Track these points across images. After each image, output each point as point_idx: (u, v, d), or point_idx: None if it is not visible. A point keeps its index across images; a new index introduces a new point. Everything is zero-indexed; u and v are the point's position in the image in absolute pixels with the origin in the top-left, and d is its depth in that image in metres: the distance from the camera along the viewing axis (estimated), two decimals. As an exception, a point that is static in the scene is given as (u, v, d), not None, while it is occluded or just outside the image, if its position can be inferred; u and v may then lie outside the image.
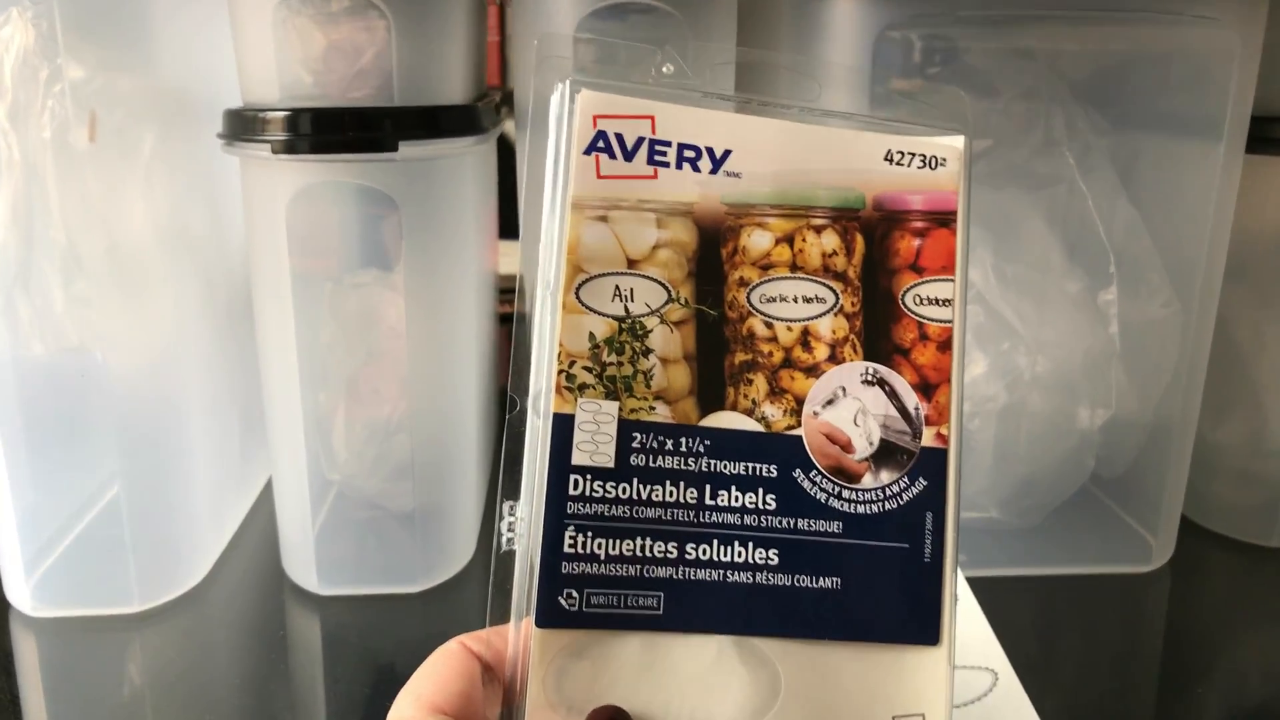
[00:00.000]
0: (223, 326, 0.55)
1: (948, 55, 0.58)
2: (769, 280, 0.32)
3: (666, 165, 0.31)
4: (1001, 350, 0.51)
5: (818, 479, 0.32)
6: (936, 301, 0.33)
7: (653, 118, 0.32)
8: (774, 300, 0.32)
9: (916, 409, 0.33)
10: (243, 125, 0.45)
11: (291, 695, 0.46)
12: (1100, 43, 0.54)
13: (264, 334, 0.49)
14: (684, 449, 0.31)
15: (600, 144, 0.31)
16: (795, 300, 0.32)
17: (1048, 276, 0.52)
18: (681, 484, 0.31)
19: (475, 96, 0.57)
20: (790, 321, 0.32)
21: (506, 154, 0.66)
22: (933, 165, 0.34)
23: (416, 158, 0.46)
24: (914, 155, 0.34)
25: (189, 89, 0.51)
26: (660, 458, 0.31)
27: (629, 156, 0.31)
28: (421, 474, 0.52)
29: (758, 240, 0.32)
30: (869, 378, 0.32)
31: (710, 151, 0.32)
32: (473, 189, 0.52)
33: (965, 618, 0.50)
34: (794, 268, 0.32)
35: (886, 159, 0.33)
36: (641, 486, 0.30)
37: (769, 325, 0.32)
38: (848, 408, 0.32)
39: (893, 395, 0.33)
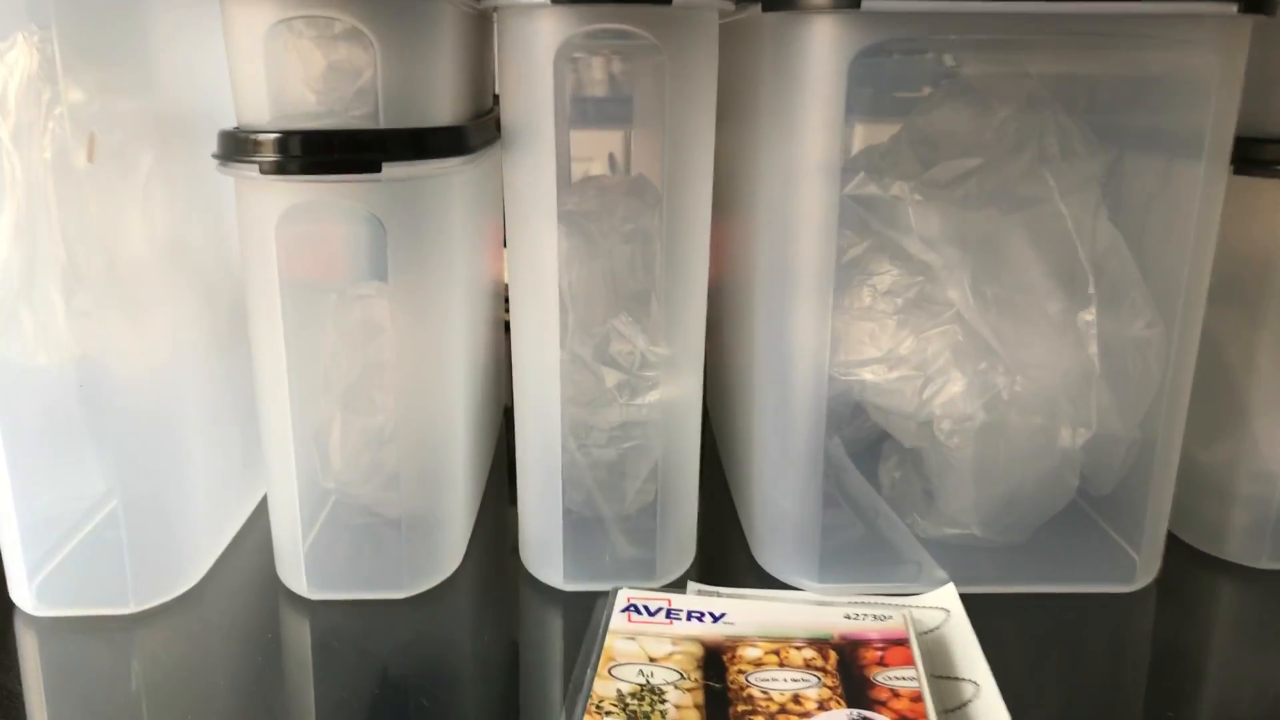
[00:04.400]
0: (223, 338, 0.57)
1: (933, 76, 0.58)
2: (761, 670, 0.44)
3: (680, 620, 0.48)
4: (979, 370, 0.52)
5: None
6: (904, 678, 0.44)
7: (670, 600, 0.50)
8: (767, 680, 0.44)
9: None
10: (235, 146, 0.47)
11: (279, 695, 0.48)
12: (1080, 66, 0.54)
13: (257, 347, 0.51)
14: None
15: (632, 608, 0.49)
16: (785, 680, 0.44)
17: (1027, 297, 0.52)
18: None
19: (474, 113, 0.59)
20: (783, 691, 0.43)
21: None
22: (881, 619, 0.48)
23: (401, 178, 0.47)
24: (867, 614, 0.49)
25: (188, 109, 0.52)
26: None
27: (652, 615, 0.48)
28: (408, 483, 0.53)
29: (749, 652, 0.46)
30: (855, 717, 0.42)
31: (710, 614, 0.49)
32: (461, 207, 0.53)
33: (955, 629, 0.50)
34: (781, 665, 0.45)
35: (846, 617, 0.48)
36: None
37: (765, 693, 0.43)
38: None
39: None
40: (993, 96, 0.54)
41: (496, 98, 0.67)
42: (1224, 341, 0.56)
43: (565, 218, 0.50)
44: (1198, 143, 0.49)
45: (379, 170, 0.46)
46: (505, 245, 0.53)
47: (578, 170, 0.63)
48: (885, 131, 0.58)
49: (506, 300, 0.78)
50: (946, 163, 0.54)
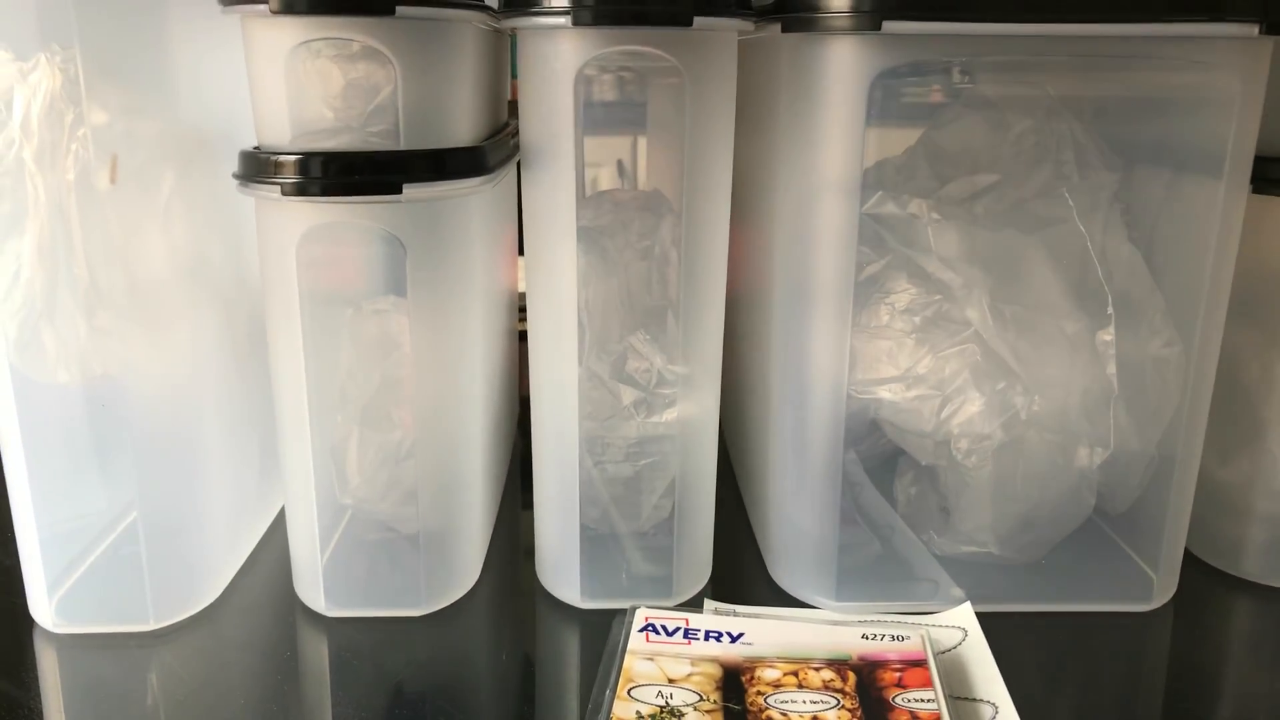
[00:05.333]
0: (243, 354, 0.57)
1: (944, 88, 0.58)
2: (780, 692, 0.44)
3: (698, 640, 0.48)
4: (997, 389, 0.52)
5: None
6: (923, 700, 0.44)
7: (687, 619, 0.50)
8: (786, 702, 0.44)
9: None
10: (256, 167, 0.47)
11: (297, 713, 0.48)
12: (1099, 87, 0.54)
13: (275, 364, 0.51)
14: None
15: (650, 627, 0.49)
16: (804, 702, 0.44)
17: (1046, 316, 0.52)
18: None
19: (491, 131, 0.59)
20: (802, 713, 0.43)
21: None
22: (899, 639, 0.48)
23: (422, 199, 0.47)
24: (884, 634, 0.48)
25: (210, 129, 0.53)
26: None
27: (670, 635, 0.49)
28: (426, 498, 0.53)
29: (768, 673, 0.46)
30: None
31: (728, 634, 0.49)
32: (479, 224, 0.53)
33: (972, 649, 0.50)
34: (800, 687, 0.45)
35: (863, 637, 0.48)
36: None
37: (784, 715, 0.43)
38: None
39: None
40: (1009, 111, 0.54)
41: (512, 105, 0.68)
42: (1242, 359, 0.56)
43: (581, 234, 0.50)
44: (1218, 162, 0.49)
45: (400, 191, 0.46)
46: (520, 253, 0.53)
47: (588, 179, 0.63)
48: (892, 138, 0.58)
49: (521, 309, 0.78)
50: (963, 179, 0.54)
